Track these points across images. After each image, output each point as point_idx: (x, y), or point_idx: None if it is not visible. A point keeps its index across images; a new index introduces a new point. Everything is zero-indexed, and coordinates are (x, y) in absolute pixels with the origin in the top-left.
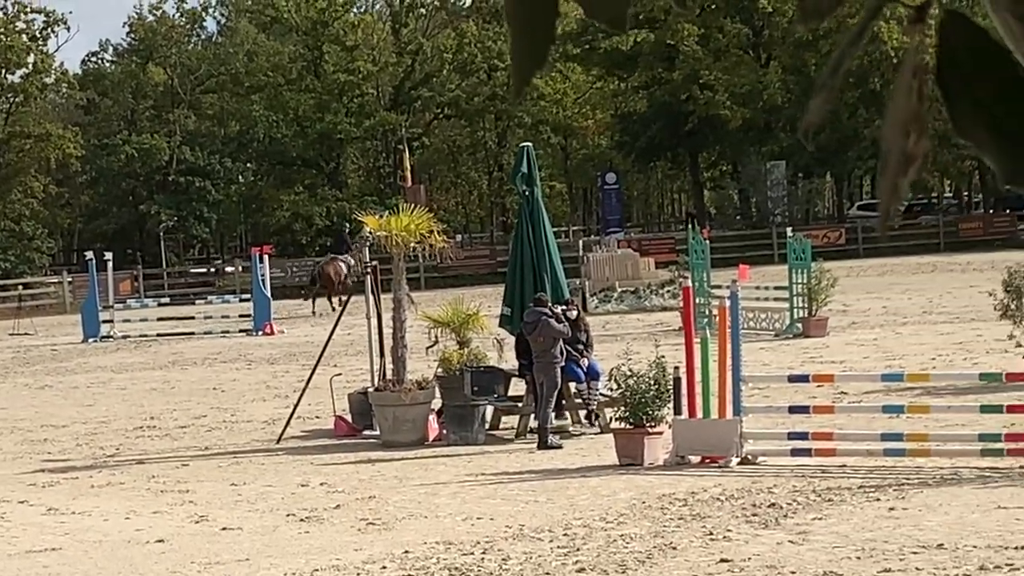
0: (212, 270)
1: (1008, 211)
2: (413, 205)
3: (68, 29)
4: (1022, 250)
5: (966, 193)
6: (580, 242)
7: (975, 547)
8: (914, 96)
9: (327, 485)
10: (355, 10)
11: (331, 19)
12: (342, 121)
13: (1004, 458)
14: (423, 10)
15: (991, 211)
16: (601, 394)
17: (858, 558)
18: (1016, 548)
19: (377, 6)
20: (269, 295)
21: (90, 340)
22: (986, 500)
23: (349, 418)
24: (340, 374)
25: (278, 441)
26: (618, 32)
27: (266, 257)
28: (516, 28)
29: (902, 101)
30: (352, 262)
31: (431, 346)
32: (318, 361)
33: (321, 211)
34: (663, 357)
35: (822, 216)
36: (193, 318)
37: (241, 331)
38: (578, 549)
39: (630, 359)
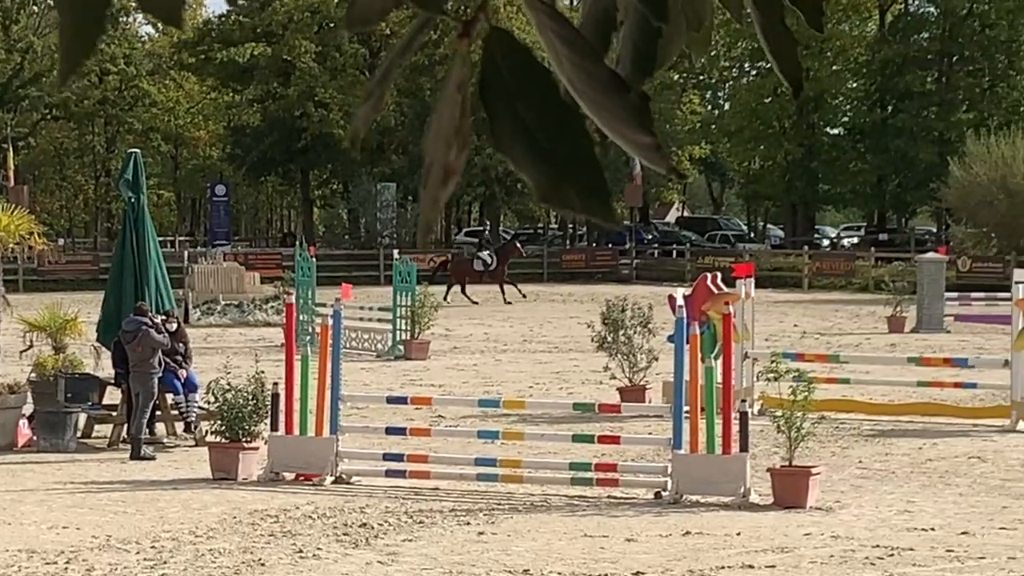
0: None
1: (610, 245)
2: (14, 205)
3: None
4: (622, 284)
5: (571, 225)
6: (186, 253)
7: (559, 574)
8: (457, 110)
9: None
10: None
11: None
12: None
13: (593, 487)
14: (35, 7)
15: (594, 244)
16: (198, 407)
17: None
18: None
19: None
20: None
21: None
22: (573, 528)
23: None
24: None
25: None
26: (173, 26)
27: None
28: (65, 12)
29: (446, 114)
30: (489, 261)
31: (25, 350)
32: None
33: None
34: (263, 372)
35: (430, 240)
36: None
37: None
38: (165, 562)
39: (229, 373)
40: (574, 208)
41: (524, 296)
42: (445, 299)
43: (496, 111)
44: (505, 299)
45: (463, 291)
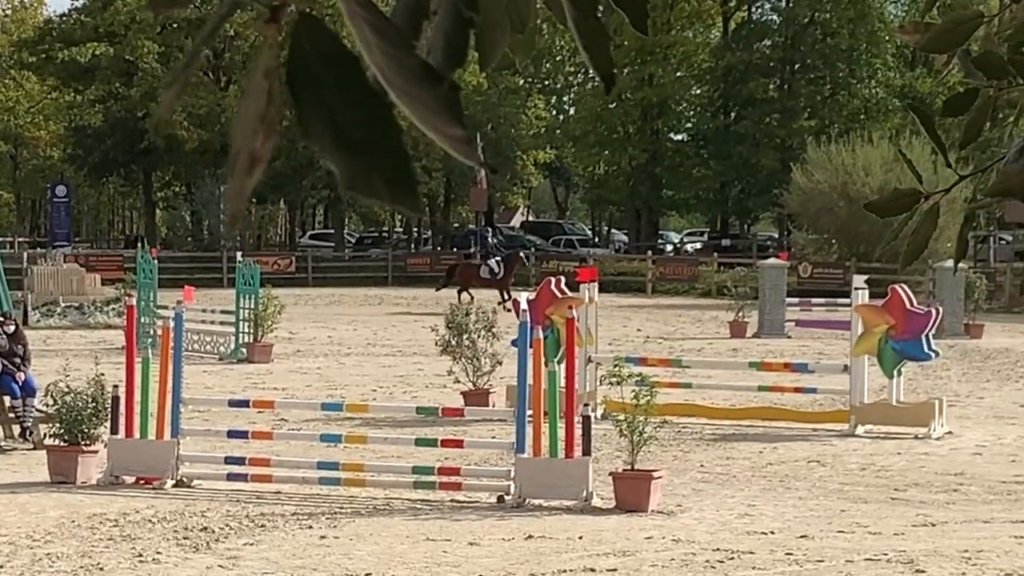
0: None
1: (455, 249)
2: None
3: None
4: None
5: (416, 229)
6: (25, 254)
7: None
8: (264, 97)
9: None
10: None
11: None
12: None
13: (436, 491)
14: None
15: (439, 248)
16: (37, 410)
17: None
18: None
19: None
20: None
21: None
22: (416, 531)
23: None
24: None
25: None
26: None
27: None
28: None
29: (253, 101)
30: (496, 270)
31: None
32: None
33: None
34: (103, 375)
35: (274, 243)
36: None
37: None
38: (1, 567)
39: (69, 375)
40: (381, 198)
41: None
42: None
43: (303, 99)
44: (504, 305)
45: (468, 293)
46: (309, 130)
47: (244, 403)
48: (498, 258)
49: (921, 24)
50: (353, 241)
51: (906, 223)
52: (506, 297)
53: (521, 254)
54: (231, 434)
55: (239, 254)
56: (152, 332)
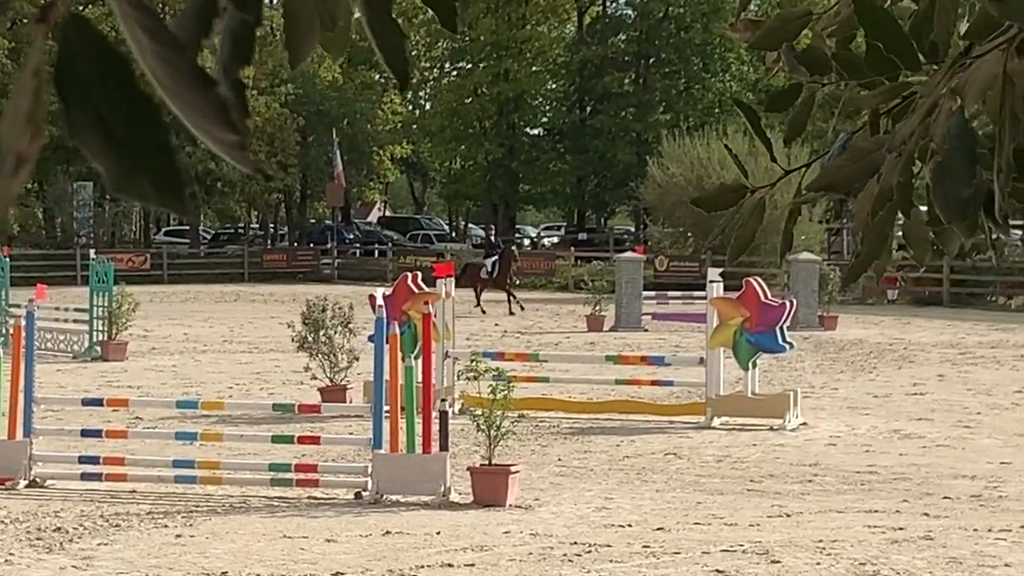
0: None
1: (312, 245)
2: None
3: None
4: (323, 284)
5: (272, 225)
6: None
7: (259, 575)
8: (31, 96)
9: None
10: None
11: None
12: None
13: (293, 488)
14: None
15: (295, 244)
16: None
17: None
18: None
19: None
20: None
21: None
22: (273, 529)
23: None
24: None
25: None
26: None
27: None
28: None
29: (21, 101)
30: (491, 269)
31: None
32: None
33: None
34: None
35: (128, 239)
36: None
37: None
38: None
39: None
40: (149, 199)
41: (522, 308)
42: (477, 306)
43: (71, 99)
44: (511, 310)
45: (477, 296)
46: (77, 131)
47: (98, 402)
48: (494, 258)
49: (749, 21)
50: (209, 237)
51: (732, 218)
52: (512, 300)
53: (514, 250)
54: (85, 433)
55: (92, 251)
56: (4, 331)
